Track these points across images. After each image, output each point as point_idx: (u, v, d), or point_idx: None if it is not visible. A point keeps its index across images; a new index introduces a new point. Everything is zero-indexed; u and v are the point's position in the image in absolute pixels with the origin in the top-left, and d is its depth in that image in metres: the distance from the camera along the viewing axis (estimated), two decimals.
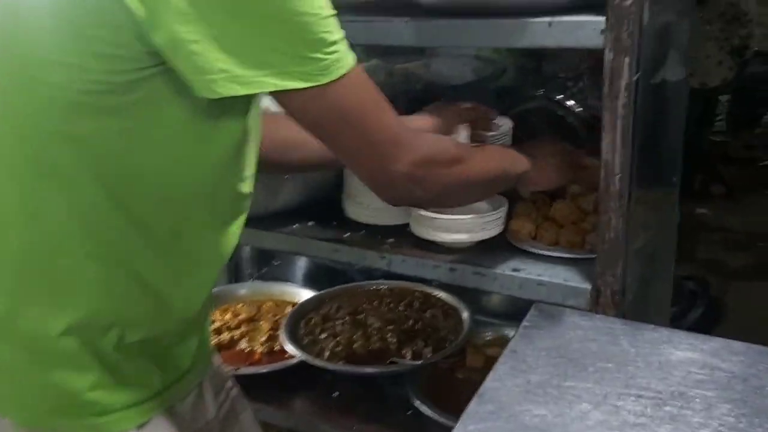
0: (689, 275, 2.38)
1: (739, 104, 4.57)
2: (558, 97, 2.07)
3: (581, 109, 1.71)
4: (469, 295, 1.56)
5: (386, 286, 1.70)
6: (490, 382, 0.84)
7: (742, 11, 4.18)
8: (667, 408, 0.78)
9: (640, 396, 0.80)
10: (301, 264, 2.09)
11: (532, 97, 2.17)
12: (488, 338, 1.54)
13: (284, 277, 2.02)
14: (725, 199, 4.50)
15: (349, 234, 1.25)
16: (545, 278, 1.06)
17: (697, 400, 0.79)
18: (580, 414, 0.77)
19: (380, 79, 1.82)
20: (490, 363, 1.48)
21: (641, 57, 0.90)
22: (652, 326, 0.96)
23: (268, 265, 2.05)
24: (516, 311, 1.69)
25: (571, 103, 1.73)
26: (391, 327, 1.53)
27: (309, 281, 2.00)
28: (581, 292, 1.03)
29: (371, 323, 1.57)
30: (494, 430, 0.75)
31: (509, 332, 1.54)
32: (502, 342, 1.53)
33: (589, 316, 0.98)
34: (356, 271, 1.86)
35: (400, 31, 1.04)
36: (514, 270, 1.09)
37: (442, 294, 1.63)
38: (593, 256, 1.07)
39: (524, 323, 0.97)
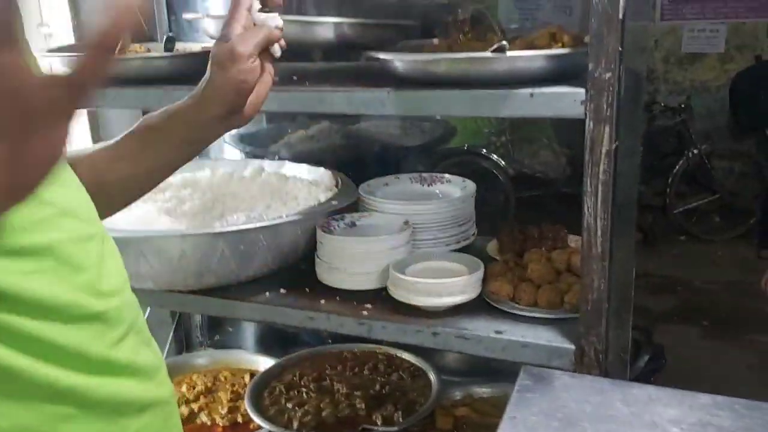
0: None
1: (650, 155, 4.84)
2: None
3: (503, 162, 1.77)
4: (426, 352, 1.56)
5: (348, 350, 1.68)
6: None
7: (649, 68, 4.48)
8: None
9: None
10: (252, 329, 2.04)
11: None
12: (456, 398, 1.53)
13: (237, 344, 1.97)
14: (643, 245, 4.73)
15: (323, 301, 1.24)
16: (529, 339, 1.07)
17: None
18: None
19: (336, 141, 1.84)
20: (459, 425, 1.49)
21: (619, 125, 0.94)
22: (638, 384, 0.99)
23: (219, 332, 1.99)
24: (474, 367, 1.72)
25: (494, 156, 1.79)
26: (358, 392, 1.51)
27: (262, 346, 1.95)
28: (565, 353, 1.05)
29: (338, 389, 1.54)
30: None
31: (477, 390, 1.55)
32: (471, 401, 1.54)
33: (578, 377, 1.00)
34: (306, 332, 1.83)
35: (382, 100, 1.06)
36: (497, 332, 1.10)
37: (405, 355, 1.63)
38: (573, 315, 1.10)
39: (517, 387, 0.98)
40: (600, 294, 1.01)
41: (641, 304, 3.82)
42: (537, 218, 1.57)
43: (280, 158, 1.72)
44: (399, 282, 1.17)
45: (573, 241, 1.37)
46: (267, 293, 1.28)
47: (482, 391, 1.55)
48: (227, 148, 1.92)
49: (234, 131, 1.90)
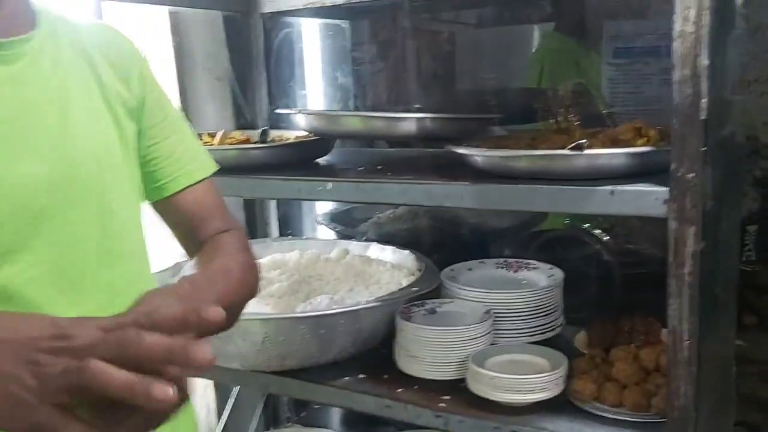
0: (739, 420, 2.28)
1: (766, 233, 4.57)
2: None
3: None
4: None
5: None
6: None
7: (762, 144, 4.28)
8: None
9: None
10: (337, 407, 2.04)
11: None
12: None
13: (323, 421, 1.97)
14: (758, 329, 4.41)
15: (401, 389, 1.23)
16: None
17: None
18: None
19: (422, 223, 1.86)
20: None
21: (706, 225, 0.91)
22: None
23: (306, 408, 2.01)
24: None
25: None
26: None
27: (347, 425, 1.95)
28: None
29: None
30: None
31: None
32: None
33: None
34: None
35: (460, 194, 1.07)
36: None
37: None
38: (661, 420, 1.04)
39: None
40: (687, 401, 0.95)
41: (754, 395, 3.53)
42: (643, 300, 1.50)
43: (368, 239, 1.76)
44: (478, 376, 1.15)
45: (666, 335, 1.31)
46: (346, 377, 1.29)
47: None
48: (320, 228, 1.98)
49: (327, 209, 1.96)
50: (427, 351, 1.23)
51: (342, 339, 1.25)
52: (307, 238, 1.81)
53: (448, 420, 1.15)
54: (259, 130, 1.46)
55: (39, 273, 0.75)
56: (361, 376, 1.29)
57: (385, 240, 1.67)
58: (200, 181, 0.95)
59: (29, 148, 0.74)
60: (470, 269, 1.50)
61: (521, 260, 1.51)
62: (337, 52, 2.00)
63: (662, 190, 0.92)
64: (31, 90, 0.76)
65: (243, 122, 1.81)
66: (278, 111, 1.35)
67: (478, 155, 1.08)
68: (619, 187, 0.95)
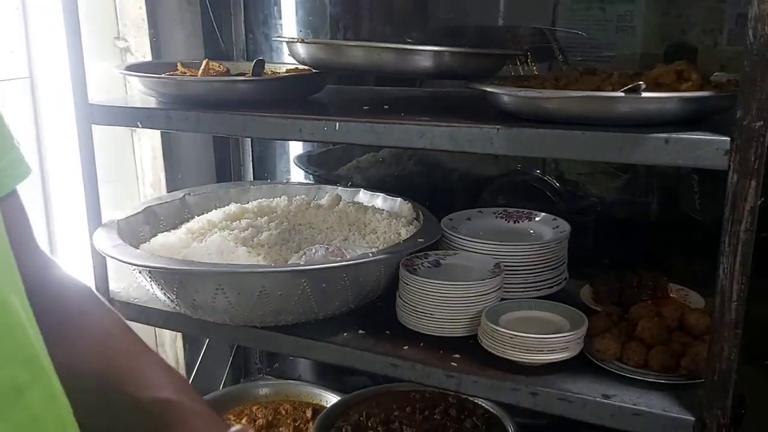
0: None
1: None
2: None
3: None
4: None
5: (416, 390, 1.59)
6: None
7: None
8: None
9: None
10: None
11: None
12: None
13: (296, 373, 1.89)
14: None
15: (407, 347, 1.15)
16: (642, 407, 0.97)
17: None
18: None
19: (409, 168, 1.76)
20: None
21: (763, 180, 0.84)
22: None
23: (278, 360, 1.92)
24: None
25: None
26: None
27: (321, 377, 1.87)
28: (683, 424, 0.95)
29: None
30: None
31: None
32: None
33: None
34: None
35: (491, 138, 0.97)
36: (605, 396, 1.00)
37: (479, 400, 1.53)
38: (691, 382, 1.00)
39: None
40: (730, 364, 0.90)
41: None
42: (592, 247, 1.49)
43: (352, 183, 1.65)
44: (493, 333, 1.08)
45: (674, 290, 1.26)
46: (344, 333, 1.20)
47: None
48: (294, 169, 1.85)
49: (302, 151, 1.83)
50: (436, 306, 1.15)
51: (344, 293, 1.16)
52: (287, 182, 1.68)
53: (461, 381, 1.08)
54: (253, 62, 1.30)
55: None
56: (360, 332, 1.20)
57: (370, 186, 1.57)
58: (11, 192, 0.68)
59: None
60: (469, 219, 1.41)
61: (521, 210, 1.44)
62: None
63: (724, 140, 0.84)
64: None
65: (216, 51, 1.65)
66: (278, 38, 1.20)
67: (508, 95, 0.98)
68: (675, 135, 0.87)
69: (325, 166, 1.86)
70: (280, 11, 1.76)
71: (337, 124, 1.06)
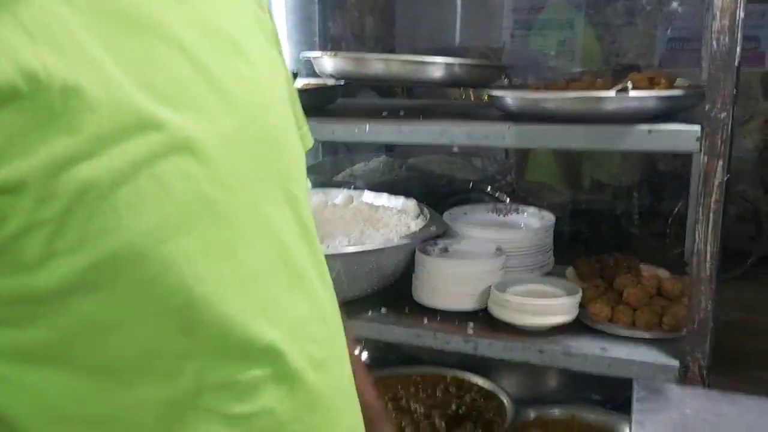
0: None
1: None
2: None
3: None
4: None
5: (416, 373, 1.74)
6: None
7: None
8: None
9: None
10: None
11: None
12: (530, 418, 1.60)
13: None
14: None
15: (427, 320, 1.31)
16: (635, 357, 1.16)
17: None
18: None
19: (400, 174, 1.93)
20: None
21: (730, 160, 1.05)
22: (744, 395, 1.07)
23: None
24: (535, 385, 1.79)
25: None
26: (436, 412, 1.58)
27: None
28: (670, 369, 1.14)
29: (415, 408, 1.60)
30: None
31: (548, 412, 1.61)
32: (543, 422, 1.60)
33: (689, 389, 1.09)
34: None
35: (503, 133, 1.15)
36: (603, 350, 1.19)
37: (474, 378, 1.69)
38: (672, 336, 1.19)
39: (636, 397, 1.06)
40: (707, 314, 1.10)
41: None
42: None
43: (355, 187, 1.81)
44: (504, 302, 1.25)
45: (644, 270, 1.47)
46: (369, 312, 1.35)
47: (553, 412, 1.61)
48: None
49: None
50: (449, 284, 1.32)
51: (370, 276, 1.31)
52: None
53: (477, 344, 1.25)
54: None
55: None
56: (383, 310, 1.36)
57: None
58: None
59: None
60: (466, 213, 1.59)
61: (509, 205, 1.63)
62: None
63: (695, 129, 1.04)
64: None
65: None
66: (305, 54, 1.37)
67: (513, 98, 1.17)
68: (656, 126, 1.07)
69: (321, 174, 2.02)
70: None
71: (368, 126, 1.23)
